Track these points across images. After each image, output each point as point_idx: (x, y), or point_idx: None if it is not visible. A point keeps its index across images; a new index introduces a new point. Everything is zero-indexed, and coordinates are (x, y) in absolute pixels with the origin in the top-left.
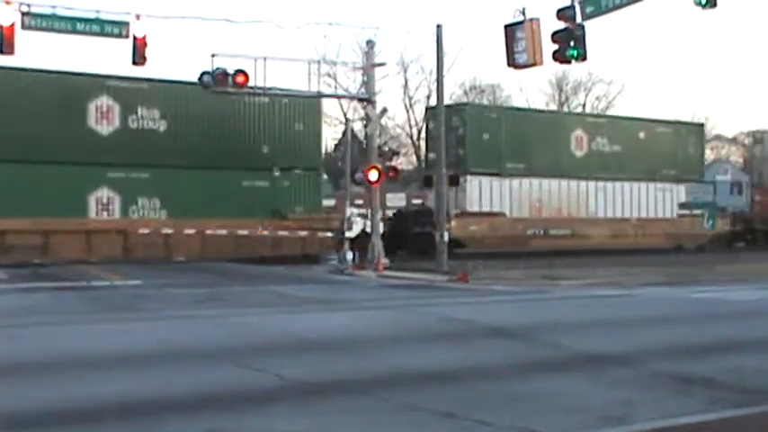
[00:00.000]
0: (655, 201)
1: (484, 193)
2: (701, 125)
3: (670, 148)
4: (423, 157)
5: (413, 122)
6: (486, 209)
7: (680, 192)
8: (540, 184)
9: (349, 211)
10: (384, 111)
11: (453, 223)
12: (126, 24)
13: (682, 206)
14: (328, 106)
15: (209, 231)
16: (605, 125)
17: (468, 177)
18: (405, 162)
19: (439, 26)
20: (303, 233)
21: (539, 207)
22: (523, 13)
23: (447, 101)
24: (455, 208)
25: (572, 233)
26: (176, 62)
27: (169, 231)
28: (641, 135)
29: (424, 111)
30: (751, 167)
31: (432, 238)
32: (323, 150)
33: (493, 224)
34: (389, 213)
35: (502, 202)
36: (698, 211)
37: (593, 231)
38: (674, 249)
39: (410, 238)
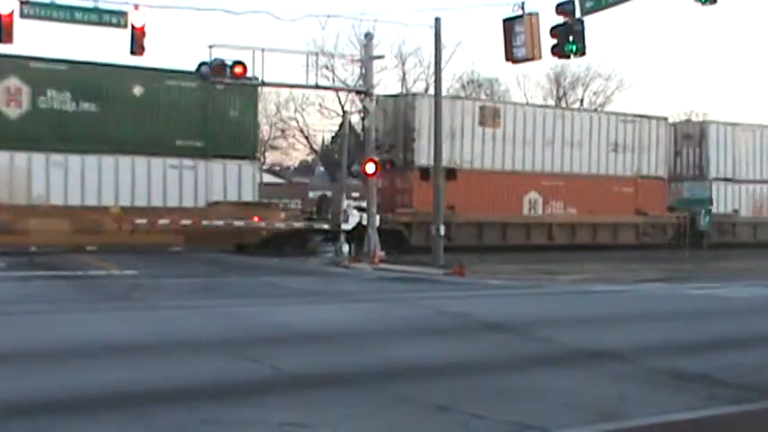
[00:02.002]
0: (164, 184)
1: None
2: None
3: (194, 111)
4: None
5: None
6: None
7: (214, 171)
8: None
9: (345, 203)
10: (376, 104)
11: None
12: (124, 14)
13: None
14: (326, 98)
15: None
16: (62, 72)
17: None
18: None
19: (437, 19)
20: None
21: None
22: (522, 8)
23: (444, 94)
24: None
25: None
26: (174, 52)
27: None
28: (137, 91)
29: None
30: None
31: None
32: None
33: None
34: None
35: None
36: (695, 208)
37: (36, 224)
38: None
39: None
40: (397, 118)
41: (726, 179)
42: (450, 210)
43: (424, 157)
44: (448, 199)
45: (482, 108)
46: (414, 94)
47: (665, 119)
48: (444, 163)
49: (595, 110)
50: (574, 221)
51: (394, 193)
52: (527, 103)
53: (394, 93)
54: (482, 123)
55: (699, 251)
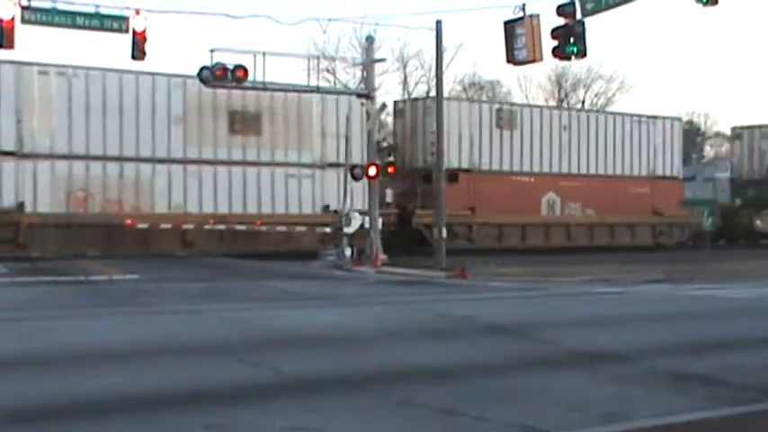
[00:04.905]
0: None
1: None
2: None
3: None
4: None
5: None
6: None
7: None
8: None
9: (347, 206)
10: (383, 107)
11: None
12: (125, 19)
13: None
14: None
15: None
16: None
17: None
18: None
19: (438, 22)
20: None
21: None
22: (523, 10)
23: (445, 96)
24: None
25: None
26: (176, 57)
27: None
28: None
29: None
30: None
31: None
32: None
33: None
34: None
35: None
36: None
37: None
38: None
39: None
40: None
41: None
42: None
43: None
44: None
45: None
46: None
47: None
48: None
49: None
50: None
51: None
52: None
53: None
54: None
55: None
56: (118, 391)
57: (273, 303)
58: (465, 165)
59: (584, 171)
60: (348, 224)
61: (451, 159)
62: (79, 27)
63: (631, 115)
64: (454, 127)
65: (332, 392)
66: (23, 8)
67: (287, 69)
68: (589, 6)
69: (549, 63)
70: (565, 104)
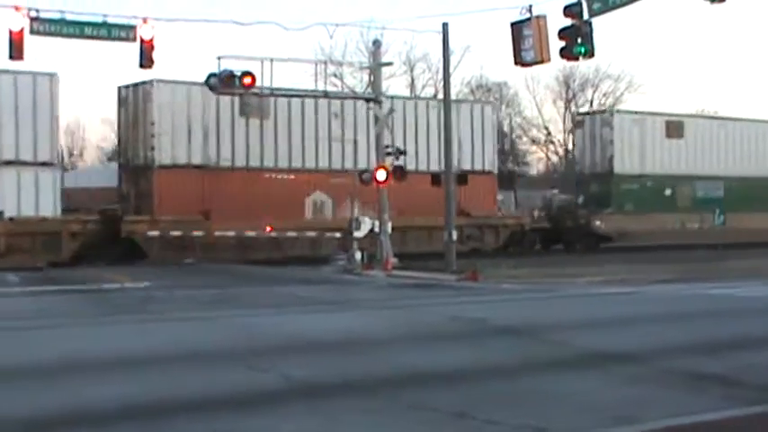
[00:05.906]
0: None
1: None
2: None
3: None
4: None
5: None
6: None
7: None
8: None
9: (357, 210)
10: (391, 110)
11: None
12: (133, 28)
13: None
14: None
15: None
16: None
17: None
18: None
19: (445, 24)
20: None
21: None
22: (530, 11)
23: (453, 98)
24: None
25: None
26: (183, 64)
27: None
28: None
29: None
30: None
31: None
32: None
33: None
34: None
35: None
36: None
37: None
38: None
39: None
40: None
41: None
42: None
43: None
44: None
45: None
46: None
47: None
48: None
49: None
50: None
51: None
52: None
53: None
54: None
55: None
56: (127, 399)
57: (284, 309)
58: (197, 161)
59: (363, 166)
60: (358, 228)
61: (177, 154)
62: (87, 37)
63: (427, 99)
64: (180, 115)
65: (341, 397)
66: (32, 19)
67: (294, 75)
68: (596, 6)
69: (557, 64)
70: (573, 105)
